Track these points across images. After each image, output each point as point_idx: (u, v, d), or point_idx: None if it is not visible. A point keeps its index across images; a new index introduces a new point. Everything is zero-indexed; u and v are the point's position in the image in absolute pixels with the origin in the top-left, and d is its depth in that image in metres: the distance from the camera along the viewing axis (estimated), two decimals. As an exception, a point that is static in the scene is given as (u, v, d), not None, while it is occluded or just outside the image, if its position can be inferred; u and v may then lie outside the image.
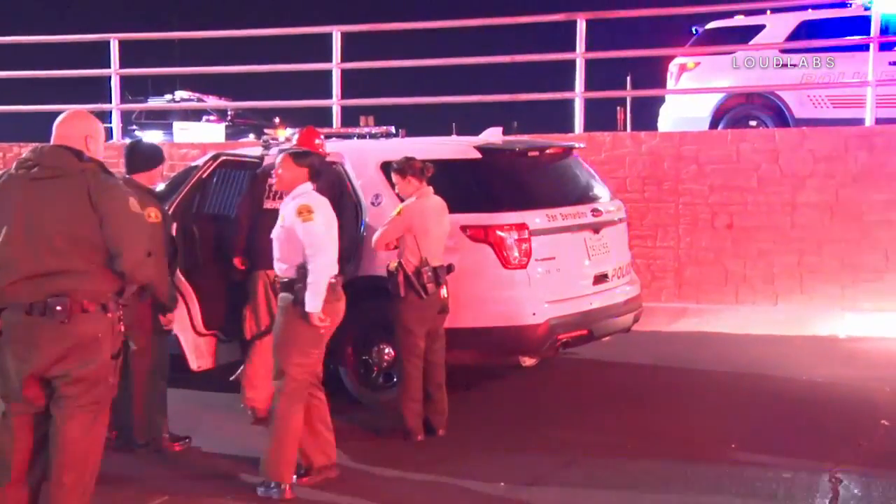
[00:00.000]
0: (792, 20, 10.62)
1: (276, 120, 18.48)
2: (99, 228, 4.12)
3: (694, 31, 11.37)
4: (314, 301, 4.89)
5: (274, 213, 5.57)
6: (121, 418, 5.74)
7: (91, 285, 4.12)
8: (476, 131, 7.30)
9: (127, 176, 5.76)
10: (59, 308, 4.03)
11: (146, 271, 4.33)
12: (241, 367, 6.28)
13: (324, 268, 4.92)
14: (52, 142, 4.29)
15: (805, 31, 10.44)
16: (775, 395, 6.67)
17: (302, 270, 4.93)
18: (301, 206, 4.95)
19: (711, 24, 11.16)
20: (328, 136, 7.52)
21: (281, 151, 6.03)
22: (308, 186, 5.11)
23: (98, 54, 12.13)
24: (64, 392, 4.14)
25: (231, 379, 6.43)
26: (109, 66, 11.46)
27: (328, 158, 6.71)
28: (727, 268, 9.37)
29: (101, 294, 4.16)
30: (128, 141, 12.67)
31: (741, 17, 11.12)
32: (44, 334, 4.06)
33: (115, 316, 4.23)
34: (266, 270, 5.89)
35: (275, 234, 5.09)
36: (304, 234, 4.91)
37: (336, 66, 10.83)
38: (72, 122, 4.31)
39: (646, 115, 13.25)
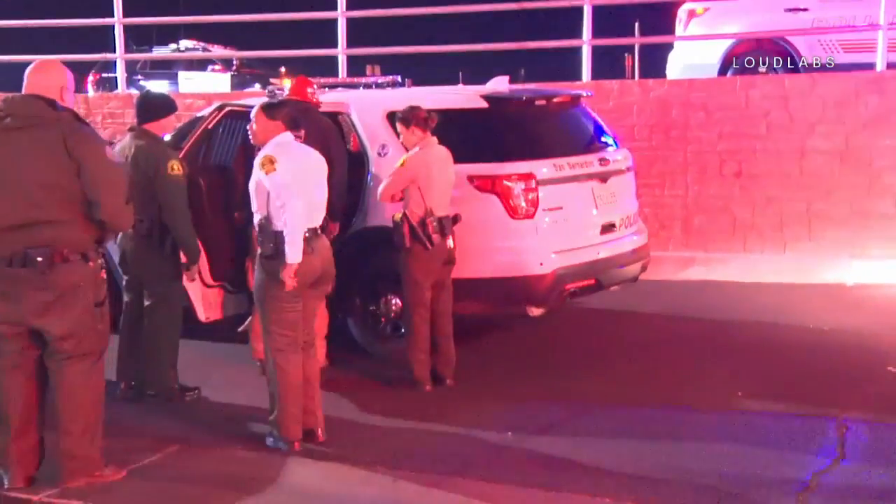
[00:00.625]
0: (802, -37, 10.41)
1: (282, 69, 18.35)
2: (76, 177, 4.09)
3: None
4: (291, 252, 4.78)
5: None
6: (131, 369, 5.80)
7: (71, 235, 4.12)
8: (483, 81, 7.23)
9: (139, 126, 5.74)
10: (40, 259, 4.04)
11: (126, 219, 4.32)
12: (249, 319, 6.31)
13: (293, 216, 4.77)
14: (24, 91, 4.24)
15: (816, -27, 10.25)
16: (783, 343, 6.68)
17: (267, 222, 4.85)
18: (264, 157, 4.86)
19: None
20: (333, 86, 7.47)
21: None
22: (285, 137, 5.01)
23: (100, 3, 12.03)
24: (54, 343, 4.17)
25: (239, 330, 6.46)
26: (112, 16, 11.36)
27: (332, 108, 6.68)
28: (735, 216, 9.33)
29: (81, 243, 4.16)
30: (133, 91, 12.68)
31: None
32: (26, 285, 4.07)
33: (97, 264, 4.25)
34: None
35: (249, 186, 5.03)
36: (269, 184, 4.81)
37: (342, 15, 10.71)
38: (46, 72, 4.28)
39: (654, 62, 13.10)
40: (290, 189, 4.79)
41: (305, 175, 4.94)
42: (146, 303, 5.75)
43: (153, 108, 5.78)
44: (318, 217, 5.01)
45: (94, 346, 4.29)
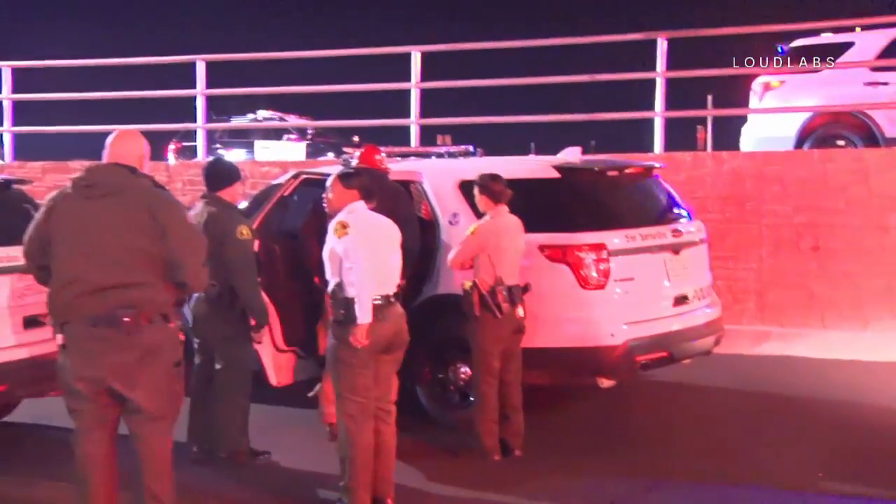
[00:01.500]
0: (883, 38, 10.31)
1: (355, 138, 18.68)
2: (159, 241, 4.23)
3: (779, 50, 11.14)
4: (360, 312, 4.83)
5: None
6: (202, 431, 5.85)
7: (154, 296, 4.23)
8: (554, 151, 7.27)
9: (210, 193, 5.89)
10: (126, 319, 4.14)
11: (204, 280, 4.46)
12: (319, 384, 6.34)
13: (362, 279, 4.83)
14: (105, 160, 4.40)
15: (897, 49, 10.15)
16: (863, 423, 6.45)
17: (339, 288, 4.91)
18: (336, 223, 4.96)
19: (797, 42, 10.93)
20: (406, 156, 7.58)
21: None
22: (358, 205, 5.09)
23: (177, 75, 12.47)
24: (134, 403, 4.23)
25: (309, 395, 6.49)
26: (194, 87, 11.75)
27: (405, 177, 6.77)
28: (812, 291, 9.12)
29: (163, 305, 4.27)
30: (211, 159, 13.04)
31: (829, 34, 10.86)
32: (110, 345, 4.16)
33: (176, 326, 4.35)
34: None
35: (323, 253, 5.10)
36: (341, 249, 4.90)
37: (415, 86, 10.92)
38: (127, 141, 4.46)
39: (727, 134, 13.03)
40: (358, 252, 4.86)
41: (376, 241, 5.00)
42: (216, 366, 5.82)
43: (220, 176, 5.95)
44: (389, 284, 5.03)
45: (172, 407, 4.36)
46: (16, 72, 12.34)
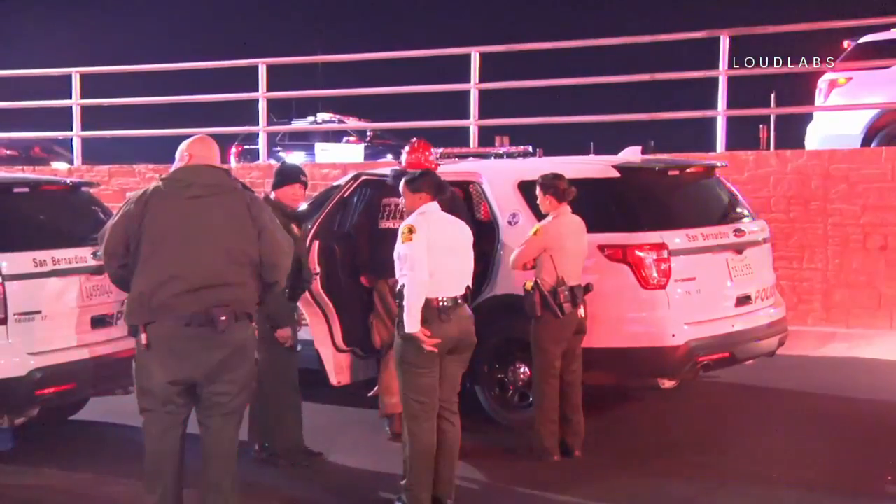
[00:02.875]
0: (953, 33, 10.05)
1: (413, 140, 18.72)
2: (254, 242, 4.30)
3: (845, 46, 10.90)
4: (409, 321, 4.82)
5: (388, 232, 5.80)
6: (262, 430, 5.91)
7: (242, 295, 4.32)
8: (614, 151, 7.21)
9: (270, 194, 5.95)
10: (222, 318, 4.21)
11: (286, 281, 4.60)
12: (377, 387, 6.37)
13: (412, 287, 4.81)
14: (190, 162, 4.44)
15: (970, 42, 9.87)
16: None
17: (402, 290, 4.92)
18: (404, 227, 4.96)
19: (865, 38, 10.69)
20: (465, 156, 7.59)
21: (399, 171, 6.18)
22: (430, 206, 5.08)
23: (238, 79, 12.65)
24: (217, 399, 4.30)
25: (370, 395, 6.53)
26: (256, 90, 11.91)
27: (464, 178, 6.78)
28: (880, 291, 8.91)
29: (249, 304, 4.35)
30: (272, 162, 13.21)
31: (897, 30, 10.60)
32: (201, 344, 4.23)
33: (255, 324, 4.42)
34: (386, 280, 6.01)
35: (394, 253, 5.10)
36: (404, 253, 4.90)
37: (474, 87, 10.93)
38: (209, 145, 4.54)
39: (789, 133, 12.79)
40: (417, 260, 4.84)
41: (442, 244, 4.97)
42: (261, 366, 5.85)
43: (278, 176, 6.01)
44: (456, 286, 4.99)
45: (245, 402, 4.44)
46: (83, 77, 12.63)
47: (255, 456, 5.84)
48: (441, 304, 4.89)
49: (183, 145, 4.52)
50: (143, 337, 4.26)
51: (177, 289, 4.21)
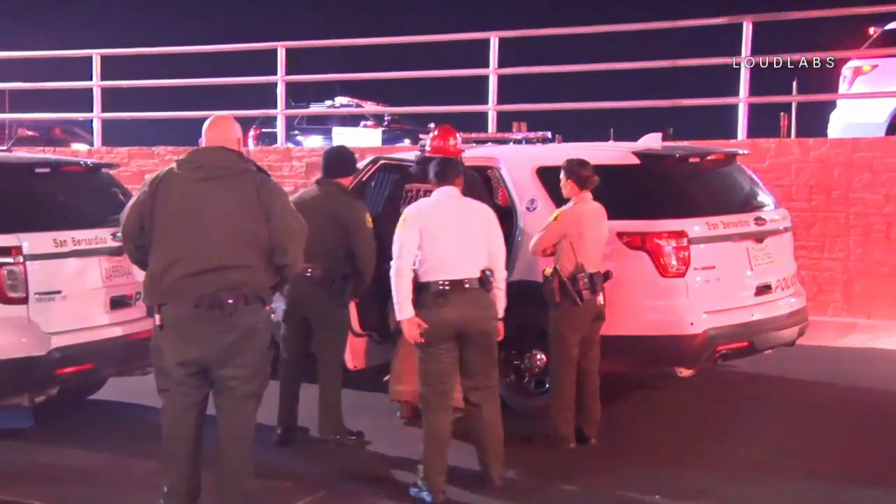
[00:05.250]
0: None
1: (431, 125, 18.70)
2: (264, 224, 4.29)
3: (871, 32, 10.78)
4: (398, 309, 4.96)
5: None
6: (287, 415, 5.92)
7: (254, 279, 4.30)
8: (634, 138, 7.17)
9: (334, 180, 5.96)
10: (230, 301, 4.21)
11: (300, 265, 4.56)
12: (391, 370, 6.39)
13: (393, 275, 4.96)
14: (205, 144, 4.46)
15: None
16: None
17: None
18: (403, 213, 5.11)
19: (891, 25, 10.56)
20: (483, 142, 7.56)
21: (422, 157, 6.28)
22: (442, 192, 5.18)
23: (256, 62, 12.63)
24: (229, 383, 4.30)
25: (385, 380, 6.54)
26: (274, 74, 11.90)
27: (482, 163, 6.76)
28: (901, 282, 8.85)
29: (261, 287, 4.34)
30: (290, 145, 13.21)
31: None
32: (211, 326, 4.23)
33: (270, 308, 4.41)
34: None
35: None
36: (395, 239, 5.05)
37: (493, 72, 10.88)
38: (226, 126, 4.52)
39: (811, 121, 12.69)
40: (402, 246, 4.95)
41: (444, 227, 5.00)
42: (316, 350, 5.89)
43: (345, 163, 6.06)
44: (459, 268, 4.97)
45: (261, 388, 4.44)
46: (103, 59, 12.65)
47: (277, 440, 5.84)
48: (440, 287, 4.90)
49: (204, 126, 4.53)
50: (158, 318, 4.30)
51: (183, 271, 4.22)
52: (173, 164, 4.40)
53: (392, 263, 5.00)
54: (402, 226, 5.02)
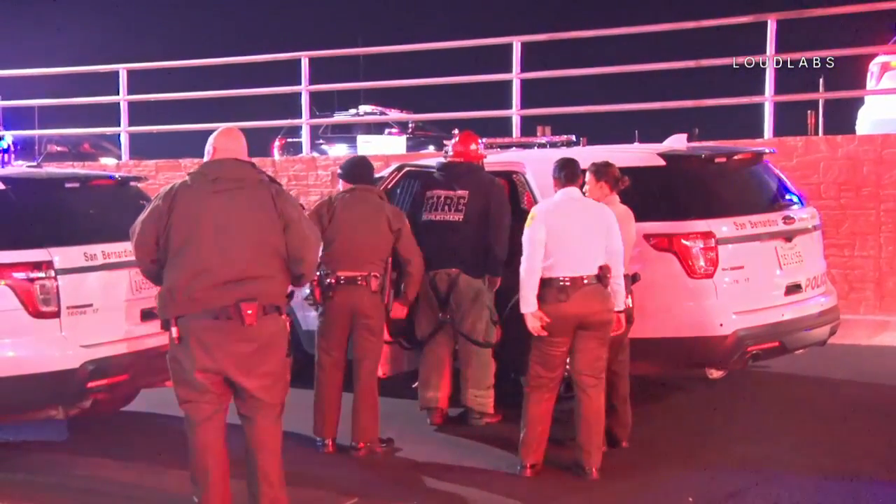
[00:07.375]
0: None
1: (455, 131, 18.72)
2: (282, 234, 4.32)
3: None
4: (522, 303, 5.27)
5: (433, 224, 6.16)
6: (328, 424, 5.91)
7: (272, 288, 4.33)
8: (659, 139, 7.14)
9: (371, 186, 6.06)
10: (249, 311, 4.23)
11: (314, 274, 4.69)
12: (420, 377, 6.39)
13: (522, 272, 5.27)
14: (216, 156, 4.46)
15: None
16: None
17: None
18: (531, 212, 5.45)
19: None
20: (508, 146, 7.55)
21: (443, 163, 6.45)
22: (564, 193, 5.43)
23: (280, 72, 12.70)
24: (253, 393, 4.33)
25: (413, 387, 6.55)
26: (299, 83, 11.96)
27: (508, 168, 6.76)
28: (935, 279, 8.73)
29: (278, 296, 4.37)
30: (315, 155, 13.27)
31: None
32: (230, 336, 4.26)
33: (287, 317, 4.45)
34: (428, 272, 6.11)
35: None
36: (525, 237, 5.37)
37: (516, 77, 10.88)
38: (236, 138, 4.54)
39: (838, 118, 12.56)
40: (530, 244, 5.24)
41: (566, 228, 5.24)
42: (359, 357, 5.88)
43: (372, 170, 6.20)
44: (579, 266, 5.21)
45: (283, 396, 4.46)
46: (130, 73, 12.79)
47: (319, 448, 5.83)
48: (561, 283, 5.17)
49: (210, 138, 4.55)
50: (175, 330, 4.32)
51: (205, 283, 4.25)
52: (186, 178, 4.43)
53: (523, 260, 5.26)
54: (531, 224, 5.28)
